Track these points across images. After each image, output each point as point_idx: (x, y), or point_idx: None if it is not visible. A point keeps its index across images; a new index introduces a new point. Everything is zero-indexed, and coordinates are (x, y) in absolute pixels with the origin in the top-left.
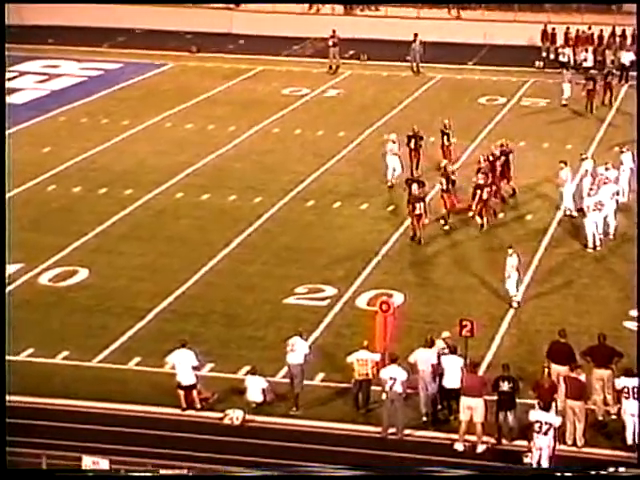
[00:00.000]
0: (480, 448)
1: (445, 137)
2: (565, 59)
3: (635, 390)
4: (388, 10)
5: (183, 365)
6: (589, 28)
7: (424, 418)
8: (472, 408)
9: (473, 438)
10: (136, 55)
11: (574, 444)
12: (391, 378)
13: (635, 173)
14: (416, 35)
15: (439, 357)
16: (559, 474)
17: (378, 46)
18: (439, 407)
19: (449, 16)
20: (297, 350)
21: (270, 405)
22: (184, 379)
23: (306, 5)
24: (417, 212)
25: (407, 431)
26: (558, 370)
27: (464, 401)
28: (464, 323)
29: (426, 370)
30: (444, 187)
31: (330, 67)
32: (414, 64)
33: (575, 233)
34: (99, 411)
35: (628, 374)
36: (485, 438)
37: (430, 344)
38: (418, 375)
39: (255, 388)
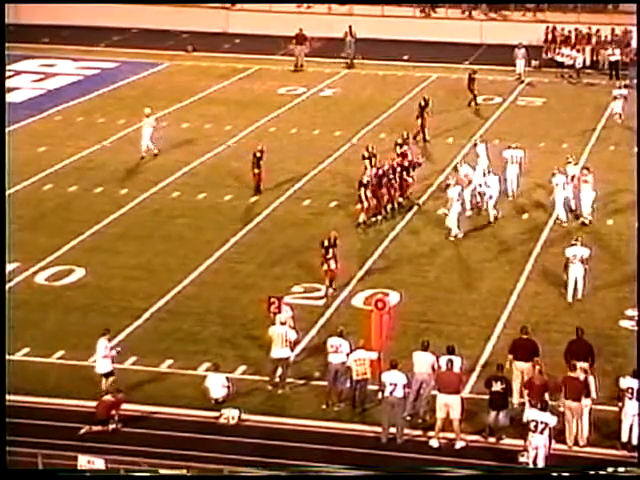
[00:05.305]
0: (459, 444)
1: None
2: (564, 59)
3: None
4: (385, 9)
5: (215, 384)
6: (589, 28)
7: (420, 420)
8: (449, 405)
9: (451, 435)
10: (132, 54)
11: (575, 444)
12: (391, 384)
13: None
14: (350, 27)
15: (438, 358)
16: (557, 474)
17: (375, 45)
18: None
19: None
20: (343, 351)
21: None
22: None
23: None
24: None
25: (406, 430)
26: (521, 367)
27: (440, 398)
28: (271, 300)
29: (425, 372)
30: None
31: (295, 66)
32: (349, 58)
33: (570, 232)
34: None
35: (634, 375)
36: (474, 437)
37: (426, 347)
38: (416, 377)
39: (217, 384)
